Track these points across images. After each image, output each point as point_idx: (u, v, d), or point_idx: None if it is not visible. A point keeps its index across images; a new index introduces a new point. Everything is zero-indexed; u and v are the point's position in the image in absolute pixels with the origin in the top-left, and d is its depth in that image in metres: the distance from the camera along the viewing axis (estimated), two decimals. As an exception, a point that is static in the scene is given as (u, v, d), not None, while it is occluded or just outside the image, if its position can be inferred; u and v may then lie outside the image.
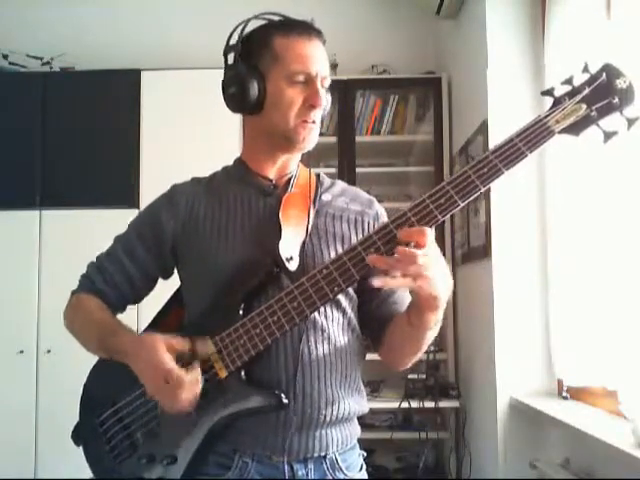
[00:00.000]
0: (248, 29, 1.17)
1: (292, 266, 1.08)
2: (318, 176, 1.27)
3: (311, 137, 1.16)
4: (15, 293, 3.04)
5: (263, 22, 1.18)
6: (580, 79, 1.01)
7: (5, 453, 2.93)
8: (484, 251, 2.48)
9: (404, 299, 1.19)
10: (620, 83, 0.98)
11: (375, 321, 1.20)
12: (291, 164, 1.23)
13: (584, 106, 0.99)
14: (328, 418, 1.10)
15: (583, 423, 1.78)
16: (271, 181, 1.20)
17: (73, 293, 1.26)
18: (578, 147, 1.98)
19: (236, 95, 1.14)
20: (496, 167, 0.97)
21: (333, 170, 3.17)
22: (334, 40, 3.23)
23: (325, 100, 1.15)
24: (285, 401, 1.05)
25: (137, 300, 1.27)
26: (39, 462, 2.96)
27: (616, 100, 0.98)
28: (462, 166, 2.91)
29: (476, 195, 0.98)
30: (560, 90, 1.02)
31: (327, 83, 1.16)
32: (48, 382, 2.99)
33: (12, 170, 3.12)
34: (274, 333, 1.03)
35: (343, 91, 3.21)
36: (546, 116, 0.99)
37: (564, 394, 2.16)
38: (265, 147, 1.20)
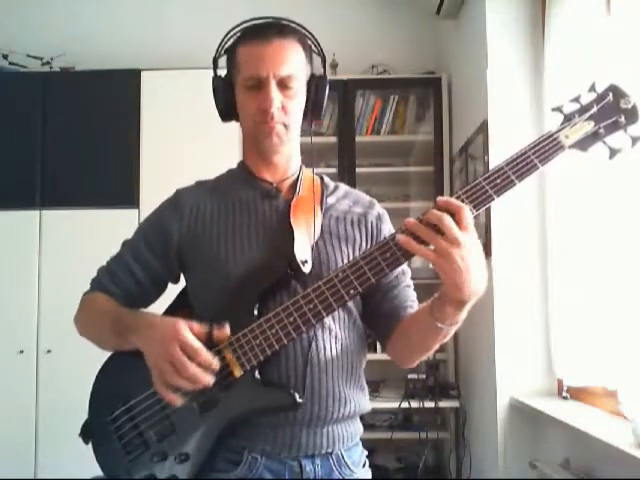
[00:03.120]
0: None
1: (307, 269, 1.10)
2: (322, 179, 1.29)
3: (273, 137, 1.16)
4: (15, 293, 3.04)
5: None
6: (587, 98, 1.06)
7: (5, 453, 2.93)
8: (484, 251, 2.47)
9: (406, 295, 1.22)
10: (625, 103, 1.04)
11: (380, 318, 1.22)
12: (290, 166, 1.24)
13: (592, 123, 1.04)
14: (335, 415, 1.12)
15: (583, 423, 1.78)
16: (272, 184, 1.22)
17: (84, 295, 1.27)
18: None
19: (217, 107, 1.22)
20: (509, 178, 1.01)
21: (333, 170, 3.17)
22: (334, 40, 3.28)
23: (278, 100, 1.13)
24: (300, 401, 1.06)
25: (147, 304, 1.28)
26: (39, 462, 2.96)
27: (622, 119, 1.03)
28: (462, 166, 2.91)
29: (489, 205, 1.01)
30: (568, 107, 1.07)
31: (293, 81, 1.14)
32: (48, 382, 2.98)
33: (12, 170, 3.11)
34: (290, 333, 1.05)
35: (343, 91, 3.21)
36: (557, 131, 1.04)
37: (564, 394, 2.17)
38: (253, 151, 1.23)
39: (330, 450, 1.13)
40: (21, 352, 2.99)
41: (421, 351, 1.16)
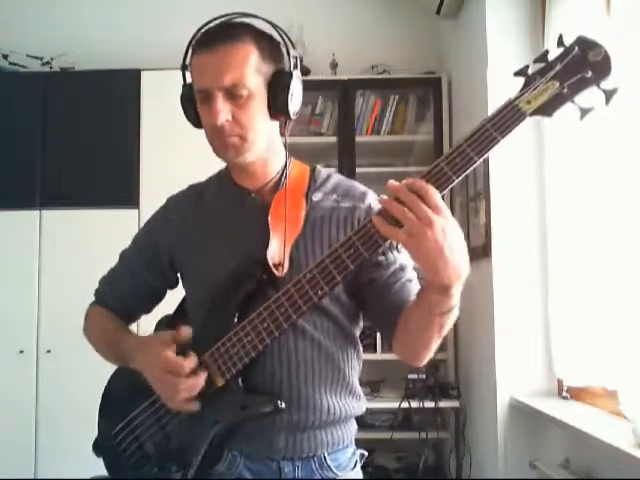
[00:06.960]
0: None
1: (280, 273, 1.07)
2: (313, 170, 1.24)
3: (229, 151, 1.09)
4: (15, 293, 3.04)
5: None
6: (554, 54, 0.93)
7: (5, 453, 2.92)
8: (484, 251, 2.48)
9: (408, 290, 1.13)
10: (594, 55, 0.90)
11: (383, 317, 1.15)
12: (269, 171, 1.18)
13: (557, 83, 0.92)
14: (317, 423, 1.11)
15: (583, 423, 1.78)
16: (250, 193, 1.18)
17: (90, 305, 1.33)
18: (577, 146, 1.98)
19: (185, 117, 1.17)
20: (468, 156, 0.92)
21: (333, 170, 3.16)
22: (334, 40, 3.28)
23: (225, 113, 1.05)
24: (282, 406, 1.06)
25: (147, 311, 1.33)
26: (39, 462, 2.96)
27: (590, 74, 0.90)
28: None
29: (451, 186, 0.93)
30: (534, 68, 0.96)
31: (240, 89, 1.05)
32: (48, 382, 2.98)
33: (12, 170, 3.11)
34: (264, 340, 1.03)
35: (343, 91, 3.22)
36: (516, 98, 0.94)
37: (564, 394, 2.17)
38: None
39: (312, 454, 1.12)
40: (21, 352, 2.99)
41: (422, 346, 1.07)
